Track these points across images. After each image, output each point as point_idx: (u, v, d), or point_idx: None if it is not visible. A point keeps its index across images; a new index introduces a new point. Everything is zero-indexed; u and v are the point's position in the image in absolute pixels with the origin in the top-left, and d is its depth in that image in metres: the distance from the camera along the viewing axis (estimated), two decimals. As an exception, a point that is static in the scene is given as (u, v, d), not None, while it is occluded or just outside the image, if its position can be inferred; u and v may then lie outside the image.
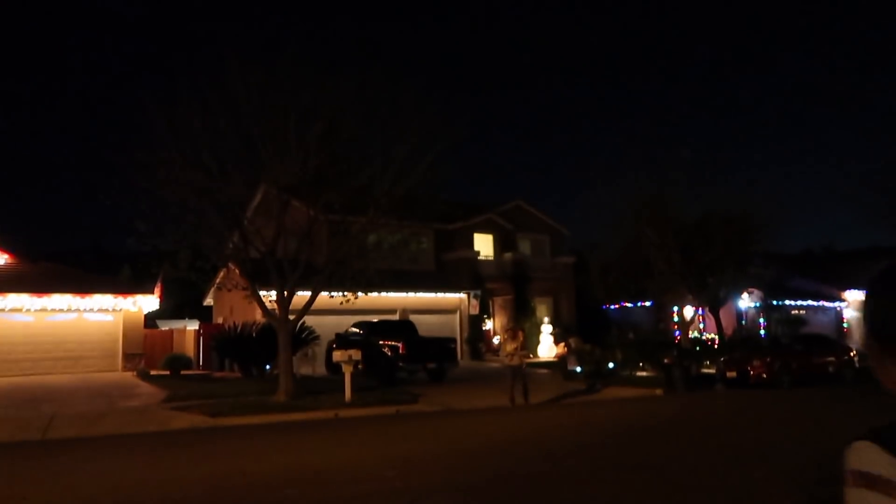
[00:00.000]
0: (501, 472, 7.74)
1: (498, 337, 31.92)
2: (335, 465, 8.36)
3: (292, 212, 16.47)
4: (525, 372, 15.85)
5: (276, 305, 16.01)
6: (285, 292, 15.77)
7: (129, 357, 24.30)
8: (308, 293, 16.30)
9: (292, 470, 7.99)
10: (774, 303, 36.97)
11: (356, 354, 15.56)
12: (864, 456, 1.14)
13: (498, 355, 30.47)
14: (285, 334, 15.70)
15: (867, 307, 1.36)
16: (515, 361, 15.52)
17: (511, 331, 16.26)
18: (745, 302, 34.89)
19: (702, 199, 24.53)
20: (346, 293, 17.08)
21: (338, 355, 15.67)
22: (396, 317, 26.98)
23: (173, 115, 14.38)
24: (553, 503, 6.24)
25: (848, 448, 1.18)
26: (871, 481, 1.09)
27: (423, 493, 6.55)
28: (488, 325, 31.52)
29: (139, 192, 14.53)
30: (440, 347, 20.50)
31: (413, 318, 25.59)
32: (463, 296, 29.96)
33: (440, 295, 29.61)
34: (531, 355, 16.03)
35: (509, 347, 15.75)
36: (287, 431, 11.92)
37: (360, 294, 17.68)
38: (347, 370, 15.36)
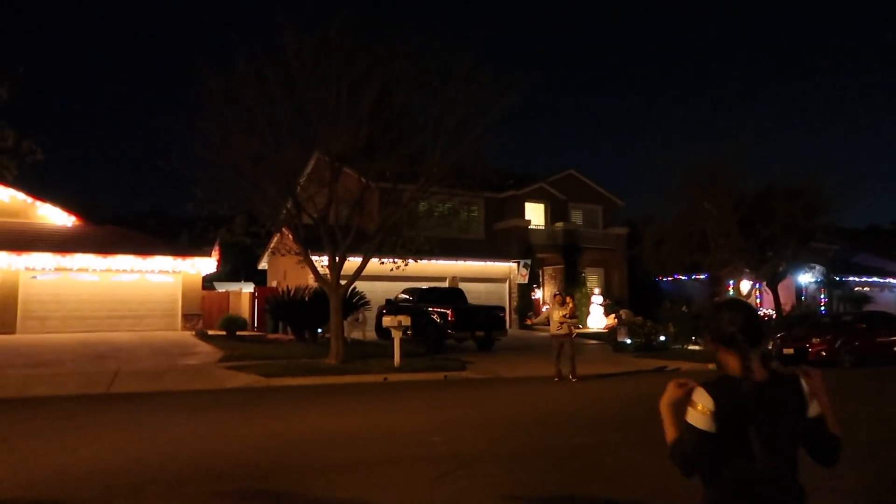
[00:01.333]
0: (547, 442, 7.75)
1: (547, 307, 31.87)
2: (382, 428, 8.52)
3: (344, 179, 16.60)
4: (574, 342, 14.49)
5: (327, 271, 16.27)
6: (336, 258, 16.00)
7: (187, 317, 25.20)
8: (359, 259, 16.50)
9: (339, 432, 8.18)
10: (837, 279, 35.72)
11: (406, 320, 15.72)
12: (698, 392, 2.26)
13: (547, 325, 30.46)
14: (336, 299, 15.96)
15: (710, 322, 2.39)
16: (563, 331, 14.26)
17: (559, 296, 14.87)
18: (806, 278, 33.80)
19: (764, 170, 23.67)
20: (395, 260, 17.20)
21: (387, 321, 15.86)
22: (446, 284, 27.14)
23: (230, 84, 14.59)
24: (596, 473, 6.22)
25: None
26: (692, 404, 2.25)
27: (469, 460, 6.62)
28: (538, 294, 31.41)
29: (197, 158, 14.89)
30: (489, 316, 20.54)
31: (462, 286, 25.69)
32: (513, 265, 29.88)
33: (490, 263, 29.61)
34: (580, 325, 14.69)
35: (557, 315, 14.38)
36: (336, 394, 12.19)
37: (409, 261, 17.81)
38: (397, 335, 15.56)
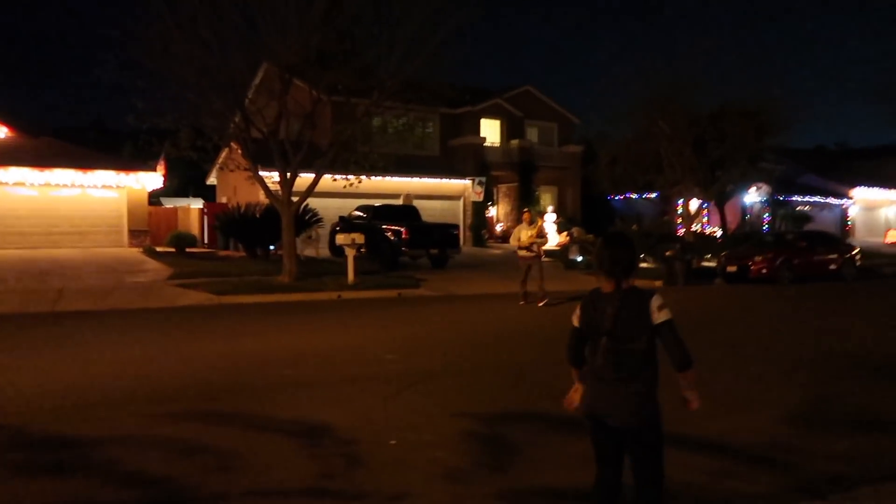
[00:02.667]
0: (500, 359, 7.92)
1: (501, 224, 32.03)
2: (336, 346, 8.56)
3: (295, 93, 15.95)
4: (542, 264, 13.52)
5: (278, 187, 15.90)
6: (288, 174, 15.60)
7: (134, 234, 24.54)
8: (311, 176, 16.13)
9: (292, 350, 8.18)
10: (781, 198, 36.73)
11: (359, 238, 15.61)
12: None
13: (503, 243, 30.75)
14: (288, 216, 15.69)
15: (596, 253, 3.11)
16: (529, 255, 13.18)
17: (527, 214, 13.79)
18: (752, 197, 34.64)
19: (718, 90, 23.72)
20: (349, 177, 16.88)
21: (341, 238, 15.74)
22: (400, 202, 26.95)
23: None
24: (548, 391, 6.40)
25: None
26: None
27: (423, 378, 6.72)
28: (492, 212, 31.52)
29: (137, 68, 14.06)
30: (443, 234, 20.55)
31: (417, 203, 25.55)
32: (467, 182, 29.76)
33: (444, 181, 29.41)
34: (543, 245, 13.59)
35: (524, 236, 13.17)
36: (290, 312, 12.16)
37: (363, 178, 17.51)
38: (350, 253, 15.48)
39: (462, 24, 14.50)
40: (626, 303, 2.95)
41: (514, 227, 30.87)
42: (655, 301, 2.94)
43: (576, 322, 3.14)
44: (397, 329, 10.25)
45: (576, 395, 3.23)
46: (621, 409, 2.94)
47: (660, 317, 2.91)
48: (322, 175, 16.06)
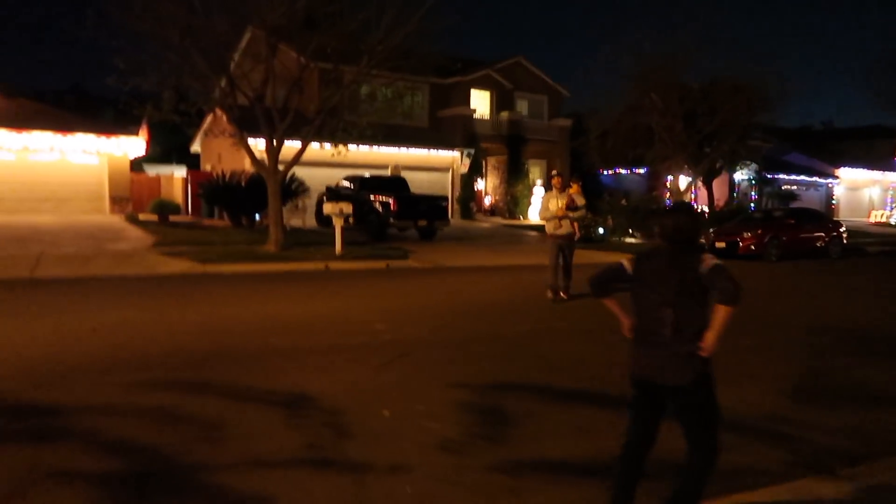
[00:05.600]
0: (490, 330, 7.77)
1: (489, 198, 31.77)
2: (323, 315, 8.36)
3: (282, 58, 15.53)
4: (573, 247, 10.23)
5: (265, 155, 15.54)
6: (274, 141, 15.24)
7: (116, 200, 24.04)
8: (298, 143, 15.77)
9: (279, 319, 7.98)
10: (768, 176, 36.82)
11: (347, 208, 15.34)
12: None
13: (491, 216, 30.55)
14: (274, 184, 15.36)
15: (659, 221, 3.18)
16: (563, 230, 9.91)
17: (558, 178, 10.31)
18: (740, 174, 34.68)
19: (710, 64, 23.50)
20: (336, 145, 16.52)
21: (328, 208, 15.44)
22: (388, 173, 26.59)
23: None
24: (540, 362, 6.26)
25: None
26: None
27: (413, 347, 6.55)
28: (480, 184, 31.26)
29: (117, 26, 13.55)
30: (431, 205, 20.32)
31: (405, 174, 25.23)
32: (456, 154, 29.43)
33: (433, 152, 29.05)
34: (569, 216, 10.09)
35: (554, 206, 9.92)
36: (276, 281, 11.93)
37: (350, 147, 17.17)
38: (338, 223, 15.22)
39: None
40: (683, 265, 2.99)
41: (502, 200, 30.95)
42: (707, 256, 3.01)
43: (627, 265, 3.18)
44: (387, 299, 10.06)
45: (625, 320, 3.25)
46: (677, 368, 2.95)
47: (710, 262, 2.96)
48: (309, 142, 15.71)
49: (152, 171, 32.13)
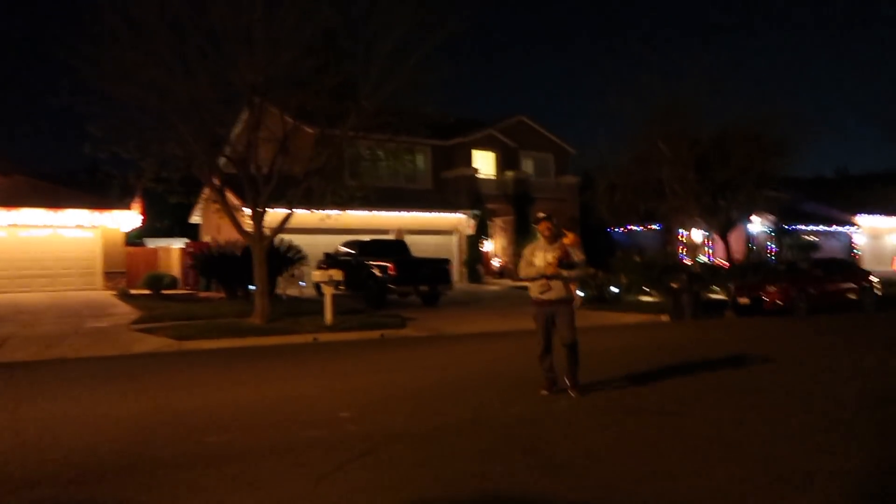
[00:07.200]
0: (481, 414, 6.50)
1: (497, 259, 30.65)
2: (286, 400, 7.15)
3: (266, 118, 14.83)
4: (573, 313, 7.33)
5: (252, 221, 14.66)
6: (259, 207, 14.37)
7: (109, 275, 23.26)
8: (286, 210, 14.89)
9: (231, 407, 6.77)
10: (786, 227, 35.57)
11: (337, 274, 14.30)
12: None
13: (500, 278, 29.38)
14: (259, 251, 14.39)
15: None
16: (554, 292, 7.18)
17: (546, 223, 7.36)
18: (756, 226, 33.46)
19: (720, 112, 22.63)
20: (325, 209, 15.60)
21: (317, 275, 14.47)
22: (392, 237, 25.71)
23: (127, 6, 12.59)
24: (539, 459, 5.00)
25: None
26: None
27: (379, 443, 5.30)
28: (488, 246, 30.27)
29: (91, 91, 12.93)
30: (433, 269, 19.25)
31: (410, 238, 24.33)
32: (461, 216, 28.56)
33: (438, 215, 28.23)
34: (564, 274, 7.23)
35: (539, 260, 7.28)
36: (254, 358, 10.77)
37: (344, 212, 16.32)
38: (328, 291, 14.15)
39: (446, 38, 13.37)
40: None
41: (511, 261, 29.75)
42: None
43: None
44: (367, 377, 8.83)
45: None
46: None
47: None
48: (295, 208, 14.80)
49: (154, 244, 31.51)
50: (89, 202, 22.66)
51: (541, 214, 7.43)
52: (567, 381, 7.18)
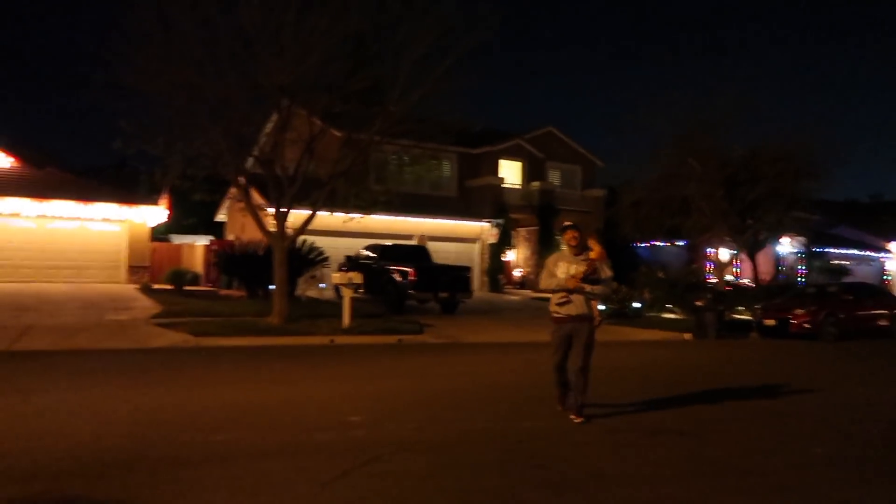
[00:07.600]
0: (493, 425, 6.37)
1: (519, 270, 30.44)
2: (297, 401, 7.08)
3: (295, 121, 14.88)
4: (593, 333, 6.67)
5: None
6: (282, 207, 14.40)
7: (133, 270, 23.47)
8: (309, 212, 14.90)
9: (241, 406, 6.71)
10: (816, 250, 34.84)
11: (356, 277, 14.26)
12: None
13: (521, 289, 29.17)
14: (280, 252, 14.40)
15: None
16: (575, 309, 6.56)
17: (572, 233, 6.80)
18: (785, 248, 32.82)
19: (752, 130, 22.28)
20: (349, 212, 15.60)
21: (337, 277, 14.44)
22: (414, 242, 25.65)
23: (161, 5, 12.73)
24: (548, 476, 4.85)
25: None
26: None
27: (387, 450, 5.19)
28: (510, 255, 30.07)
29: (123, 87, 13.07)
30: (453, 277, 19.12)
31: (432, 245, 24.27)
32: (485, 224, 28.42)
33: (461, 222, 28.12)
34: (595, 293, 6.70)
35: (562, 271, 6.65)
36: (269, 357, 10.74)
37: (368, 216, 16.29)
38: (347, 294, 14.12)
39: (474, 46, 13.30)
40: None
41: (533, 272, 29.52)
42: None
43: None
44: (381, 381, 8.74)
45: None
46: None
47: None
48: (319, 208, 14.81)
49: (180, 240, 31.81)
50: (117, 196, 22.93)
51: (567, 223, 7.01)
52: (573, 404, 6.61)
